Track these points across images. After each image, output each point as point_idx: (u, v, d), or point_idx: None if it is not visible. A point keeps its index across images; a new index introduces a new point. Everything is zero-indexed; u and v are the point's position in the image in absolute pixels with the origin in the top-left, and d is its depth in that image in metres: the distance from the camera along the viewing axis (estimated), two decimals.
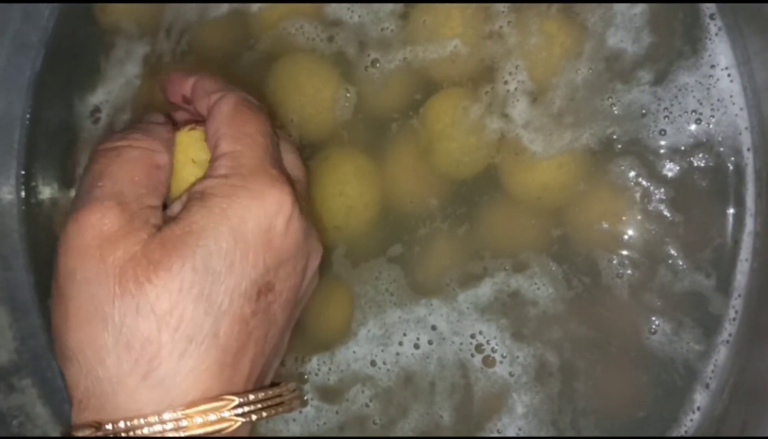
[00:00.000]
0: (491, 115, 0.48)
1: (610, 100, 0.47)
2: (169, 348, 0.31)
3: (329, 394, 0.49)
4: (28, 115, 0.58)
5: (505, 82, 0.48)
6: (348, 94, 0.50)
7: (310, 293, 0.41)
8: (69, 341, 0.32)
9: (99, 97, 0.56)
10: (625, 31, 0.47)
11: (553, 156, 0.47)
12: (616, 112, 0.47)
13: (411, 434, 0.48)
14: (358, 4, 0.50)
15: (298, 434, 0.49)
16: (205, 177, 0.35)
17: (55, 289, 0.33)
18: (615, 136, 0.46)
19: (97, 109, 0.56)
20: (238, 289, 0.32)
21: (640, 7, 0.46)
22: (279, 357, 0.39)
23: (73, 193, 0.57)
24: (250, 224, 0.33)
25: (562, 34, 0.47)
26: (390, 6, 0.50)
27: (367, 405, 0.49)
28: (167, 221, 0.34)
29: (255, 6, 0.52)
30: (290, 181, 0.35)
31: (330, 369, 0.49)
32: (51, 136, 0.58)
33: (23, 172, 0.59)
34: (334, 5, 0.51)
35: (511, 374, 0.47)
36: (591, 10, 0.47)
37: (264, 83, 0.51)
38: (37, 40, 0.57)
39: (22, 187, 0.59)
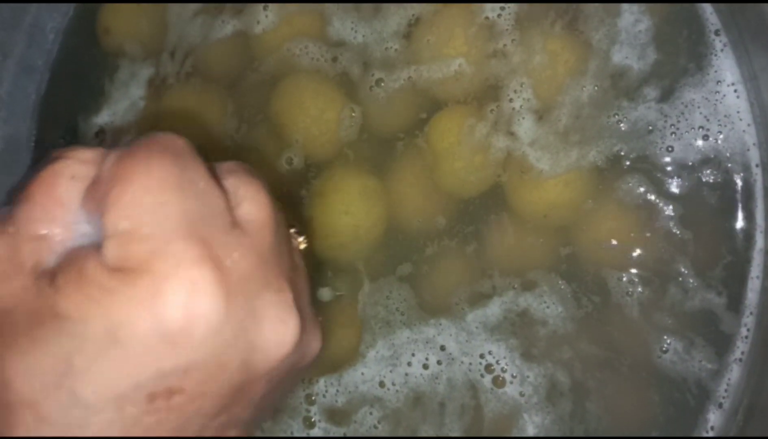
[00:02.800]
0: (497, 133, 0.48)
1: (616, 117, 0.46)
2: (27, 425, 0.27)
3: (337, 416, 0.49)
4: (33, 139, 0.58)
5: (510, 100, 0.48)
6: (353, 114, 0.50)
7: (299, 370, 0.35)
8: None
9: (103, 118, 0.56)
10: (630, 47, 0.47)
11: (560, 174, 0.46)
12: (623, 128, 0.46)
13: None
14: (362, 24, 0.50)
15: None
16: (94, 253, 0.28)
17: None
18: (622, 153, 0.46)
19: (101, 131, 0.56)
20: (112, 391, 0.27)
21: (645, 24, 0.46)
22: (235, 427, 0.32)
23: None
24: (134, 330, 0.27)
25: (566, 52, 0.47)
26: (393, 26, 0.50)
27: (375, 426, 0.48)
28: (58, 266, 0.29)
29: (259, 27, 0.52)
30: (206, 258, 0.27)
31: (338, 391, 0.49)
32: None
33: None
34: (337, 25, 0.51)
35: (521, 395, 0.47)
36: (595, 28, 0.47)
37: (268, 104, 0.51)
38: (42, 64, 0.57)
39: None
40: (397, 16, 0.50)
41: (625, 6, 0.47)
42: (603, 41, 0.47)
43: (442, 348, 0.48)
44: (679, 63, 0.46)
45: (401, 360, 0.48)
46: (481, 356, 0.47)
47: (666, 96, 0.46)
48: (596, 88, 0.47)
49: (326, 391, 0.49)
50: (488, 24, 0.48)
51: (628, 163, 0.46)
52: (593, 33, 0.47)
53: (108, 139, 0.56)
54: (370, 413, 0.48)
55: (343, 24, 0.51)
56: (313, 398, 0.49)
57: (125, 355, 0.27)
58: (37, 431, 0.27)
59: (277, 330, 0.30)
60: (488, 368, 0.47)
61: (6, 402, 0.27)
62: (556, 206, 0.47)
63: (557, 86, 0.47)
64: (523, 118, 0.47)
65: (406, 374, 0.48)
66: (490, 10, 0.48)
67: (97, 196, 0.29)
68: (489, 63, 0.48)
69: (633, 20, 0.47)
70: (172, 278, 0.27)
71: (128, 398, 0.27)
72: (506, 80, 0.48)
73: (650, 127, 0.46)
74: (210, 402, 0.29)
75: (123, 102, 0.56)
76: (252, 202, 0.31)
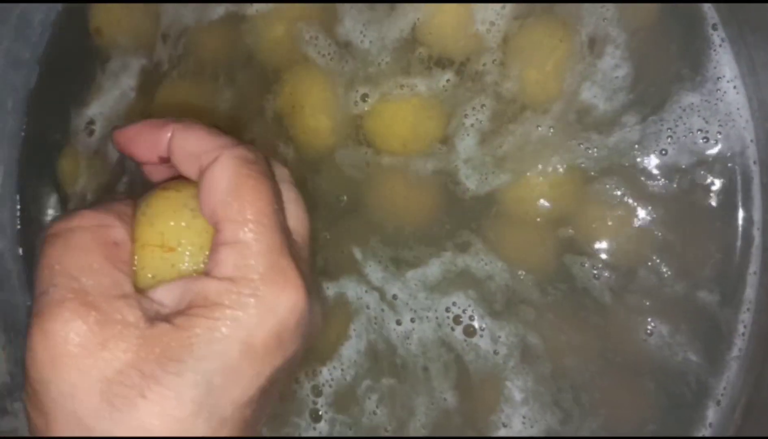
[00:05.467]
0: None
1: (582, 146, 0.46)
2: None
3: (339, 403, 0.49)
4: (22, 133, 0.58)
5: (465, 116, 0.48)
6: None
7: None
8: None
9: (93, 109, 0.56)
10: (601, 88, 0.46)
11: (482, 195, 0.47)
12: (594, 153, 0.46)
13: (423, 432, 0.48)
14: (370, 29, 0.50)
15: None
16: (208, 275, 0.31)
17: (30, 394, 0.30)
18: (592, 174, 0.46)
19: (91, 122, 0.56)
20: (242, 398, 0.30)
21: (624, 70, 0.46)
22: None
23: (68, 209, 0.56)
24: (261, 335, 0.30)
25: (537, 88, 0.47)
26: (396, 33, 0.49)
27: (374, 412, 0.48)
28: (156, 316, 0.31)
29: (252, 9, 0.51)
30: (302, 273, 0.32)
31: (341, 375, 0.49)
32: (46, 152, 0.57)
33: (18, 191, 0.58)
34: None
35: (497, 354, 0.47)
36: (576, 64, 0.46)
37: (267, 89, 0.51)
38: (30, 57, 0.57)
39: (18, 206, 0.58)
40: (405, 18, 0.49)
41: (608, 49, 0.46)
42: (576, 80, 0.46)
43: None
44: (672, 70, 0.46)
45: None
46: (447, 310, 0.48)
47: (659, 107, 0.46)
48: (551, 130, 0.46)
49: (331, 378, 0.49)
50: (478, 36, 0.48)
51: (620, 166, 0.46)
52: (575, 66, 0.46)
53: (98, 131, 0.55)
54: (369, 397, 0.48)
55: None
56: (320, 388, 0.49)
57: (254, 361, 0.30)
58: None
59: (318, 311, 0.34)
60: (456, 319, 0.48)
61: None
62: (544, 208, 0.47)
63: (512, 117, 0.47)
64: (468, 134, 0.47)
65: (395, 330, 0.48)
66: (480, 22, 0.48)
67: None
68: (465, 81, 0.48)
69: (613, 64, 0.46)
70: (287, 287, 0.31)
71: (251, 401, 0.31)
72: (470, 94, 0.48)
73: (636, 145, 0.46)
74: (283, 386, 0.33)
75: (113, 92, 0.55)
76: (297, 219, 0.35)
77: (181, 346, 0.29)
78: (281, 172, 0.36)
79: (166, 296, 0.32)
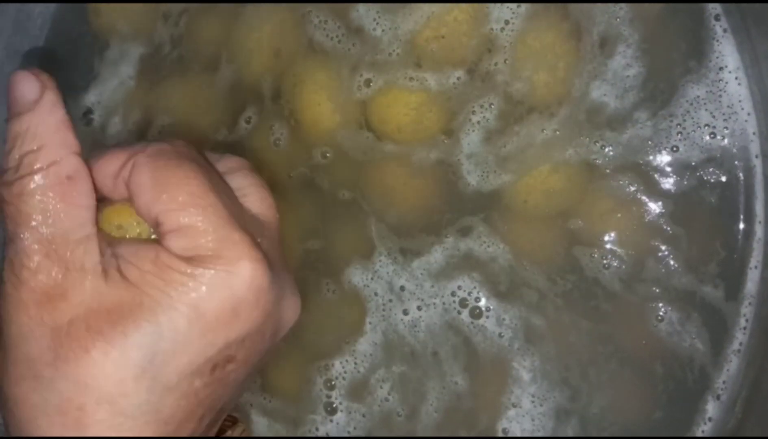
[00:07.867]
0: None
1: (598, 144, 0.47)
2: (103, 422, 0.29)
3: (354, 393, 0.50)
4: None
5: (473, 112, 0.48)
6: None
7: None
8: (4, 389, 0.30)
9: (91, 98, 0.55)
10: (611, 86, 0.46)
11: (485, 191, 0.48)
12: (609, 152, 0.47)
13: (435, 416, 0.49)
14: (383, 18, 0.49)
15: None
16: (161, 246, 0.31)
17: None
18: (619, 155, 0.47)
19: (89, 111, 0.55)
20: (189, 368, 0.30)
21: (635, 70, 0.46)
22: (237, 398, 0.36)
23: None
24: (213, 304, 0.30)
25: (546, 90, 0.47)
26: (410, 25, 0.49)
27: (387, 399, 0.49)
28: (111, 265, 0.30)
29: None
30: (257, 244, 0.32)
31: (352, 368, 0.50)
32: None
33: None
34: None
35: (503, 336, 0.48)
36: (586, 63, 0.46)
37: (269, 68, 0.51)
38: (30, 49, 0.56)
39: None
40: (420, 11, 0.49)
41: (620, 48, 0.46)
42: (585, 81, 0.46)
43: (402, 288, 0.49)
44: (678, 63, 0.46)
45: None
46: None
47: (665, 102, 0.46)
48: (557, 133, 0.47)
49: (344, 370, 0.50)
50: (491, 36, 0.47)
51: (628, 162, 0.46)
52: (585, 67, 0.47)
53: (96, 121, 0.55)
54: (381, 386, 0.49)
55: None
56: (333, 382, 0.50)
57: (204, 331, 0.30)
58: (111, 426, 0.29)
59: (291, 302, 0.34)
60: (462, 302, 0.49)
61: (80, 404, 0.29)
62: (551, 202, 0.48)
63: (519, 119, 0.47)
64: (473, 131, 0.48)
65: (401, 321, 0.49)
66: (495, 21, 0.47)
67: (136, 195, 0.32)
68: (474, 80, 0.48)
69: (624, 64, 0.46)
70: (242, 259, 0.31)
71: (199, 372, 0.30)
72: (478, 93, 0.48)
73: (648, 142, 0.46)
74: (245, 370, 0.33)
75: (112, 80, 0.55)
76: (262, 203, 0.35)
77: (131, 304, 0.29)
78: (233, 162, 0.36)
79: (125, 251, 0.31)
